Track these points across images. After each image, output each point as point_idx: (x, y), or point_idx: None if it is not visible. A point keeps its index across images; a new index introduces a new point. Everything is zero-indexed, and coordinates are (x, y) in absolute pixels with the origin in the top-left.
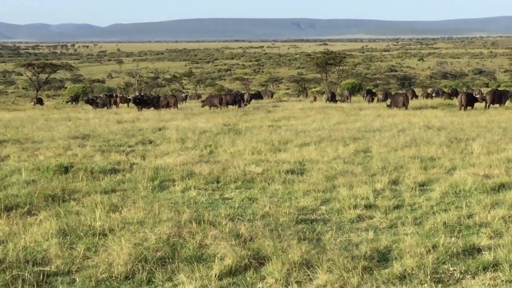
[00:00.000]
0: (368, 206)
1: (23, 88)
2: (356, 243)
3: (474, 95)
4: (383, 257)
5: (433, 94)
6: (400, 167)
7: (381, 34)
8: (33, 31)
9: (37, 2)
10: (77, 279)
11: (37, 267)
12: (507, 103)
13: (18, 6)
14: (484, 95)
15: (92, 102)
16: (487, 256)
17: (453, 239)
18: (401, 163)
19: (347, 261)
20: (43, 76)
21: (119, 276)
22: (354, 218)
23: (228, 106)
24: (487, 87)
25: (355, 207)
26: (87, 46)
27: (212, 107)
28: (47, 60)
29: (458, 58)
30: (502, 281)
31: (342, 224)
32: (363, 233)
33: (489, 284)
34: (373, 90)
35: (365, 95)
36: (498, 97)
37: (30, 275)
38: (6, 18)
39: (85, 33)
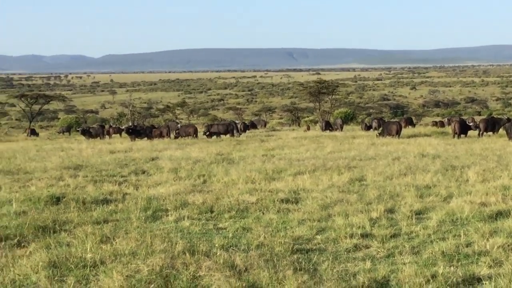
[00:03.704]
0: (365, 235)
1: (16, 119)
2: (353, 273)
3: (467, 123)
4: None
5: (471, 123)
6: (396, 195)
7: (373, 64)
8: (26, 63)
9: (29, 34)
10: None
11: None
12: (500, 131)
13: (10, 37)
14: (478, 123)
15: (85, 133)
16: (487, 286)
17: (452, 268)
18: (397, 191)
19: None
20: (36, 107)
21: None
22: (351, 247)
23: (221, 136)
24: (480, 115)
25: (351, 236)
26: (81, 77)
27: (187, 137)
28: (40, 91)
29: (450, 86)
30: None
31: (339, 254)
32: (360, 262)
33: None
34: (366, 119)
35: (371, 124)
36: (492, 125)
37: None
38: None
39: (79, 64)
